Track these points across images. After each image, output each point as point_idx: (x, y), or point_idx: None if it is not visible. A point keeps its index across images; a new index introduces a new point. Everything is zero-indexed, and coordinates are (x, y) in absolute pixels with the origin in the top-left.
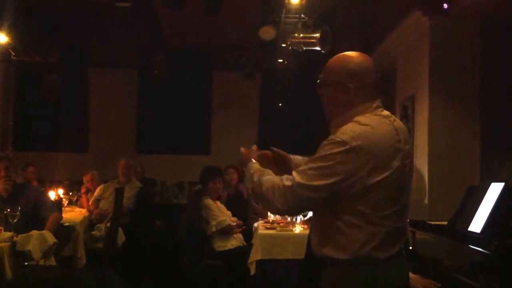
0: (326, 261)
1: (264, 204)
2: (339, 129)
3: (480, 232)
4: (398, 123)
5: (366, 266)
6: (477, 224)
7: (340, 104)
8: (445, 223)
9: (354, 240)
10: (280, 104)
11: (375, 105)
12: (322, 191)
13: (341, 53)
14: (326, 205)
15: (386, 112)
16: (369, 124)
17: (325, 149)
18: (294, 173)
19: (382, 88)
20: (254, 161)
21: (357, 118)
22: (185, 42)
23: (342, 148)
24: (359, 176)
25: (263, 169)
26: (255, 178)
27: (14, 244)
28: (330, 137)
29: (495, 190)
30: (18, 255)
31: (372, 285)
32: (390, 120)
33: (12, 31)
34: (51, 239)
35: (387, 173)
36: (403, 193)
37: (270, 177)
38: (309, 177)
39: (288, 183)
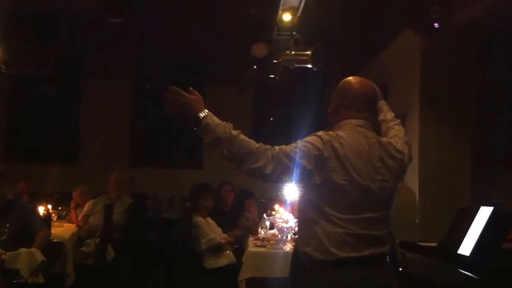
0: (303, 263)
1: (244, 158)
2: None
3: (469, 255)
4: (376, 140)
5: (332, 266)
6: (466, 247)
7: (329, 115)
8: (435, 244)
9: (314, 236)
10: (271, 119)
11: (354, 122)
12: (296, 166)
13: (352, 77)
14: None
15: (365, 130)
16: (341, 134)
17: (307, 138)
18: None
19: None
20: (208, 112)
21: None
22: (179, 56)
23: (315, 138)
24: (324, 168)
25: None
26: (227, 130)
27: (2, 262)
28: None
29: (484, 213)
30: (6, 273)
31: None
32: (366, 136)
33: (3, 44)
34: (39, 257)
35: (351, 179)
36: (371, 206)
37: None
38: (289, 149)
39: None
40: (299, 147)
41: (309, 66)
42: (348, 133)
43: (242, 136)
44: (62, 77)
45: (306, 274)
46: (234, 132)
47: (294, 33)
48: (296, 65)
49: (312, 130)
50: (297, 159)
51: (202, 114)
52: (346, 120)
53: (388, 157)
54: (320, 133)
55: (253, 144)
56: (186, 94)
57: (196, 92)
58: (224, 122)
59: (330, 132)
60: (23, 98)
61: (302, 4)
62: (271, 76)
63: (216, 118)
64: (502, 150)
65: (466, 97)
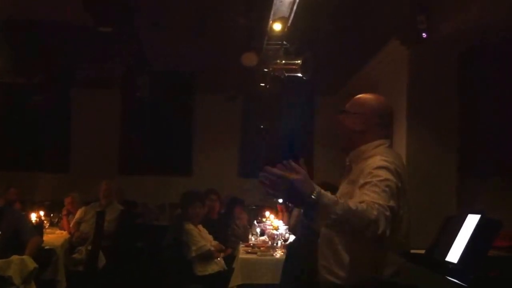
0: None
1: (364, 229)
2: (365, 160)
3: (457, 262)
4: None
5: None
6: (454, 255)
7: (356, 132)
8: (423, 251)
9: (374, 261)
10: (262, 127)
11: (387, 144)
12: (393, 211)
13: (369, 94)
14: None
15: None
16: (392, 155)
17: (379, 174)
18: (373, 195)
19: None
20: (317, 187)
21: (376, 151)
22: (168, 64)
23: (388, 173)
24: (401, 196)
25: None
26: (345, 207)
27: None
28: (375, 165)
29: (472, 221)
30: None
31: None
32: (400, 155)
33: None
34: (31, 264)
35: (407, 203)
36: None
37: (354, 204)
38: (384, 199)
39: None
40: (385, 191)
41: (299, 75)
42: (390, 153)
43: (357, 207)
44: (53, 86)
45: None
46: (352, 205)
47: (284, 42)
48: (287, 74)
49: (303, 139)
50: (392, 204)
51: (315, 196)
52: (378, 141)
53: None
54: (385, 163)
55: (366, 211)
56: (287, 174)
57: (301, 165)
58: (335, 197)
59: (387, 159)
60: (13, 107)
61: (292, 14)
62: (261, 84)
63: (328, 194)
64: (488, 158)
65: (452, 106)
